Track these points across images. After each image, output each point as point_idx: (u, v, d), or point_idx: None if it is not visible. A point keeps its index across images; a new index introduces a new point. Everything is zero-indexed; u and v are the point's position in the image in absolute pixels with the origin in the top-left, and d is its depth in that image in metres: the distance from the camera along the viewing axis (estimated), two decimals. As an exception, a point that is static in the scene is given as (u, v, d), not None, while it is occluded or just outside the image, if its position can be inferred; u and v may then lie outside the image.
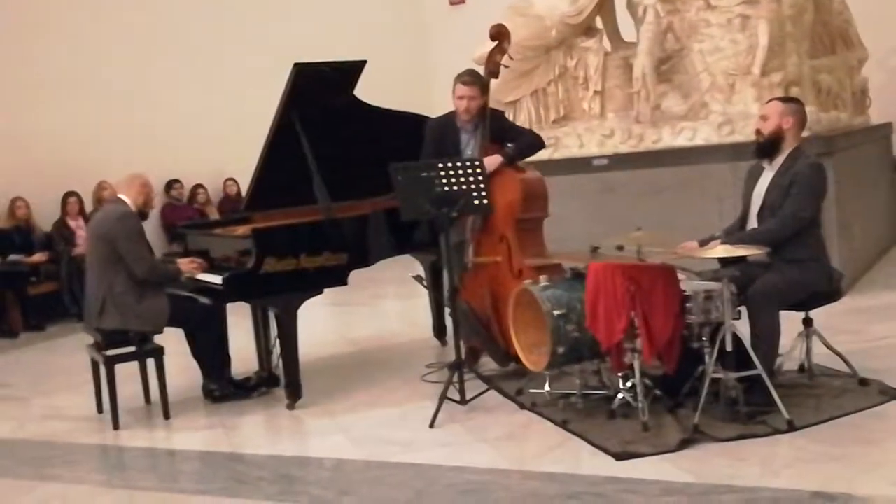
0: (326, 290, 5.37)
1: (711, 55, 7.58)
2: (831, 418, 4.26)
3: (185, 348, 5.57)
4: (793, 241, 4.48)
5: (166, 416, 5.35)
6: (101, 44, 10.34)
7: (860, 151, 8.07)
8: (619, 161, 7.70)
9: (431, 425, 4.71)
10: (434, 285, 6.32)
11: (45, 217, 9.51)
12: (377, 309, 8.76)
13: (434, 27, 14.36)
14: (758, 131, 4.69)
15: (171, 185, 10.81)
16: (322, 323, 7.92)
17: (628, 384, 4.50)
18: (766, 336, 4.41)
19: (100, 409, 5.58)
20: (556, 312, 4.54)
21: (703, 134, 7.50)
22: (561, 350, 4.55)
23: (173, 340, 5.49)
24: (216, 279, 5.27)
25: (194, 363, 5.61)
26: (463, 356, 5.07)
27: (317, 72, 5.53)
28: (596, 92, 8.18)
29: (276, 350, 5.52)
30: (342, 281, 5.39)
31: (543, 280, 4.72)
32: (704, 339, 4.31)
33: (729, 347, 4.22)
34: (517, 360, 4.98)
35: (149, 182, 5.56)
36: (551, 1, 8.26)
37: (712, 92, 7.60)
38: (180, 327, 5.45)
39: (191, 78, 11.12)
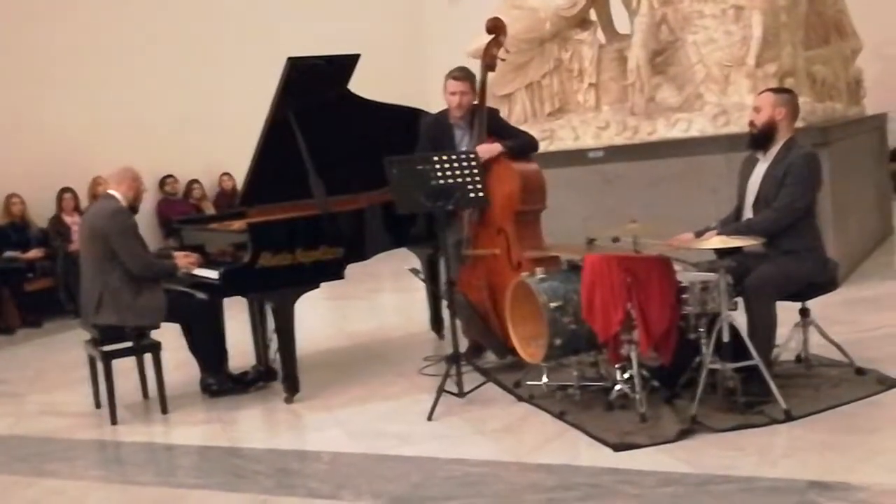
0: (323, 285, 5.36)
1: (706, 46, 7.57)
2: (828, 408, 4.27)
3: (183, 343, 5.57)
4: (788, 232, 4.49)
5: (164, 410, 5.35)
6: (97, 39, 10.31)
7: (855, 142, 8.07)
8: (615, 153, 7.70)
9: (429, 418, 4.71)
10: (430, 278, 6.33)
11: (40, 213, 9.50)
12: (374, 303, 8.77)
13: (428, 20, 14.35)
14: (751, 123, 4.70)
15: (164, 180, 10.79)
16: (319, 317, 7.92)
17: (626, 375, 4.50)
18: (763, 326, 4.42)
19: (97, 405, 5.58)
20: (552, 304, 4.55)
21: (698, 125, 7.50)
22: (558, 342, 4.56)
23: (170, 335, 5.49)
24: (213, 274, 5.26)
25: (191, 358, 5.61)
26: (464, 350, 5.07)
27: (311, 65, 5.51)
28: (591, 84, 8.17)
29: (274, 344, 5.52)
30: (338, 275, 5.39)
31: (540, 272, 4.73)
32: (701, 329, 4.32)
33: (726, 338, 4.23)
34: (515, 352, 4.98)
35: (139, 176, 5.53)
36: (546, -7, 8.25)
37: (707, 83, 7.59)
38: (177, 322, 5.45)
39: (186, 73, 11.08)
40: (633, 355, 4.39)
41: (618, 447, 4.04)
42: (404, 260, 6.39)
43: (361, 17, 13.00)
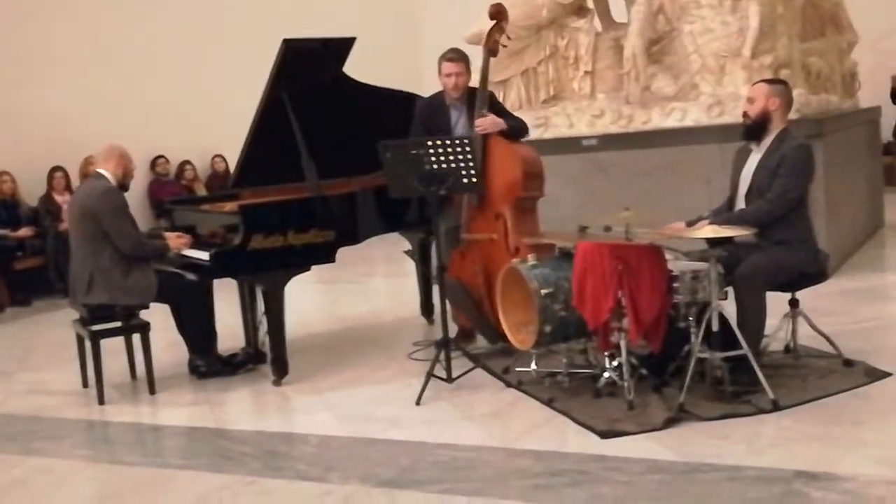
0: (314, 268, 5.35)
1: (702, 36, 7.56)
2: (816, 398, 4.28)
3: (172, 324, 5.56)
4: (780, 223, 4.50)
5: (152, 391, 5.35)
6: (88, 19, 10.25)
7: (849, 134, 8.08)
8: (609, 141, 7.69)
9: (418, 402, 4.72)
10: (422, 263, 6.32)
11: (31, 192, 9.46)
12: (365, 287, 8.75)
13: (423, 4, 14.31)
14: (745, 114, 4.70)
15: (155, 161, 10.74)
16: (309, 300, 7.91)
17: (614, 363, 4.51)
18: (753, 316, 4.43)
19: (85, 384, 5.57)
20: (543, 291, 4.55)
21: (692, 115, 7.49)
22: (548, 329, 4.56)
23: (159, 316, 5.48)
24: (203, 255, 5.24)
25: (180, 339, 5.61)
26: (454, 335, 5.07)
27: (306, 48, 5.50)
28: (586, 72, 8.15)
29: (263, 327, 5.50)
30: (330, 258, 5.38)
31: (531, 259, 4.73)
32: (691, 318, 4.33)
33: (715, 327, 4.24)
34: (506, 338, 4.98)
35: (127, 153, 5.48)
36: (543, -20, 8.22)
37: (702, 73, 7.58)
38: (167, 303, 5.44)
39: (179, 54, 11.04)
40: (623, 343, 4.40)
41: (605, 434, 4.05)
42: (397, 244, 6.39)
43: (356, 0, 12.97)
